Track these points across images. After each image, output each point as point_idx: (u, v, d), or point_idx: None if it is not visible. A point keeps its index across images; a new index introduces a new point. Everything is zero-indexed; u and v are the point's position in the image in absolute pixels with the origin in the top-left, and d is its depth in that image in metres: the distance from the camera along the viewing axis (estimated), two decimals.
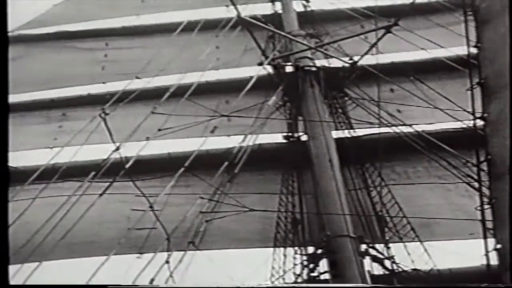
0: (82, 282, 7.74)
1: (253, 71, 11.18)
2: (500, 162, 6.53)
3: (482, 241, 6.98)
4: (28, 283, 7.21)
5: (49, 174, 9.64)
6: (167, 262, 7.63)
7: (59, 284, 6.07)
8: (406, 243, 9.73)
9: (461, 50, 9.15)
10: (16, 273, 7.10)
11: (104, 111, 8.72)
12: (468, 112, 7.31)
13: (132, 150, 9.05)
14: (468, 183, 9.35)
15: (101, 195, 8.51)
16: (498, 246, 6.76)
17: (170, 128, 9.41)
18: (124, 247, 8.66)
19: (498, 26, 6.69)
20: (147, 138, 9.21)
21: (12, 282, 5.58)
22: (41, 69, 13.30)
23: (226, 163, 9.04)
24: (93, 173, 8.75)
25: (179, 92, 10.01)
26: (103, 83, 12.95)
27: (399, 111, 10.87)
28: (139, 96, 10.62)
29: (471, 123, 7.20)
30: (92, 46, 13.55)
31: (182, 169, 8.86)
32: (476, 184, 7.78)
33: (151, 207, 8.45)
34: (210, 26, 11.73)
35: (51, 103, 12.78)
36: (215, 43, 11.76)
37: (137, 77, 10.27)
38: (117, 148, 8.67)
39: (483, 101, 6.83)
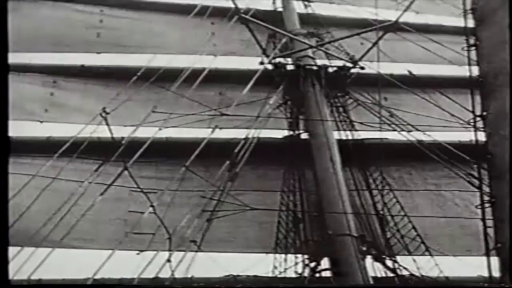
0: (80, 273, 7.85)
1: (251, 62, 11.31)
2: (500, 160, 6.53)
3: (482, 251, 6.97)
4: (25, 266, 7.33)
5: (42, 149, 9.84)
6: (168, 260, 7.66)
7: (59, 284, 6.09)
8: (407, 244, 9.74)
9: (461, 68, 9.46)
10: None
11: (104, 109, 8.72)
12: (468, 110, 7.33)
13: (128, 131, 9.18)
14: (469, 182, 9.35)
15: (102, 194, 8.55)
16: (499, 245, 6.75)
17: (172, 127, 9.43)
18: (124, 242, 8.74)
19: (494, 24, 6.69)
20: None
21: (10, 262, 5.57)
22: (31, 27, 12.64)
23: (227, 162, 9.07)
24: (94, 172, 8.80)
25: (175, 75, 10.05)
26: (98, 53, 12.63)
27: (392, 115, 10.88)
28: (135, 74, 10.69)
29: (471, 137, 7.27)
30: (86, 9, 13.07)
31: (183, 168, 8.90)
32: (476, 183, 7.77)
33: (152, 206, 8.45)
34: (212, 13, 11.73)
35: (42, 68, 12.20)
36: (211, 29, 11.86)
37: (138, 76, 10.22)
38: (120, 145, 8.68)
39: (482, 100, 6.83)
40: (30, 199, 8.63)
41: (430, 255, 9.59)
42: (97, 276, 7.77)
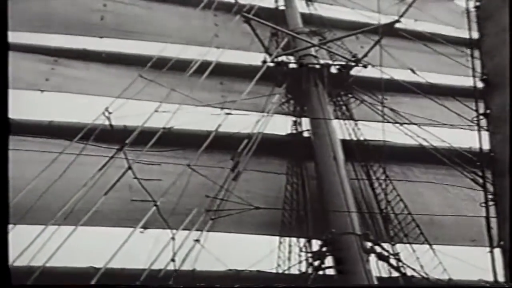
0: (84, 250, 7.85)
1: (254, 57, 11.55)
2: (503, 159, 6.51)
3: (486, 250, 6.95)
4: (25, 245, 7.34)
5: (44, 131, 10.05)
6: (172, 260, 7.68)
7: (59, 284, 6.11)
8: (411, 241, 9.75)
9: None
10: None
11: (107, 109, 8.77)
12: (471, 108, 7.33)
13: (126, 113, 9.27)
14: (472, 179, 9.37)
15: (106, 193, 8.54)
16: (501, 242, 6.73)
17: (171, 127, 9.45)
18: (127, 220, 8.74)
19: (498, 21, 6.67)
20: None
21: (10, 242, 5.56)
22: (35, 7, 12.47)
23: (230, 160, 9.11)
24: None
25: (179, 65, 10.19)
26: (100, 37, 12.58)
27: (393, 110, 10.92)
28: (138, 61, 10.68)
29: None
30: None
31: (186, 167, 8.94)
32: (480, 180, 7.75)
33: (154, 202, 8.46)
34: (215, 5, 11.77)
35: (42, 49, 12.02)
36: (214, 21, 11.90)
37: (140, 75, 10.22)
38: (121, 148, 8.69)
39: (486, 98, 6.82)
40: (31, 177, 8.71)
41: (429, 245, 9.62)
42: (98, 265, 7.87)
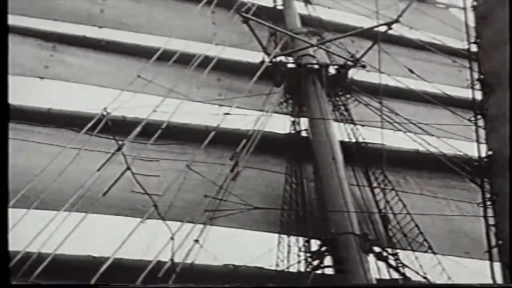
0: (83, 238, 7.91)
1: (252, 55, 11.62)
2: (500, 158, 6.54)
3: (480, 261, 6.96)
4: (28, 230, 7.36)
5: (42, 119, 10.04)
6: (171, 260, 7.69)
7: (60, 284, 6.13)
8: (410, 242, 9.75)
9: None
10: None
11: (105, 109, 8.79)
12: (469, 109, 7.36)
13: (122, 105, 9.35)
14: (471, 179, 9.37)
15: (104, 194, 8.54)
16: (500, 242, 6.76)
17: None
18: (127, 210, 8.77)
19: (494, 22, 6.70)
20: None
21: (10, 230, 5.57)
22: None
23: (231, 162, 9.12)
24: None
25: (177, 60, 10.25)
26: (100, 27, 12.49)
27: (393, 112, 10.95)
28: (137, 51, 10.93)
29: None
30: None
31: (186, 169, 8.96)
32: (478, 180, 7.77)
33: (155, 206, 8.47)
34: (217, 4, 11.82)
35: (41, 34, 11.85)
36: (212, 18, 11.93)
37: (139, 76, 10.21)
38: (119, 148, 8.71)
39: (483, 97, 6.85)
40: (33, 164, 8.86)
41: (432, 251, 9.63)
42: (96, 254, 7.94)
